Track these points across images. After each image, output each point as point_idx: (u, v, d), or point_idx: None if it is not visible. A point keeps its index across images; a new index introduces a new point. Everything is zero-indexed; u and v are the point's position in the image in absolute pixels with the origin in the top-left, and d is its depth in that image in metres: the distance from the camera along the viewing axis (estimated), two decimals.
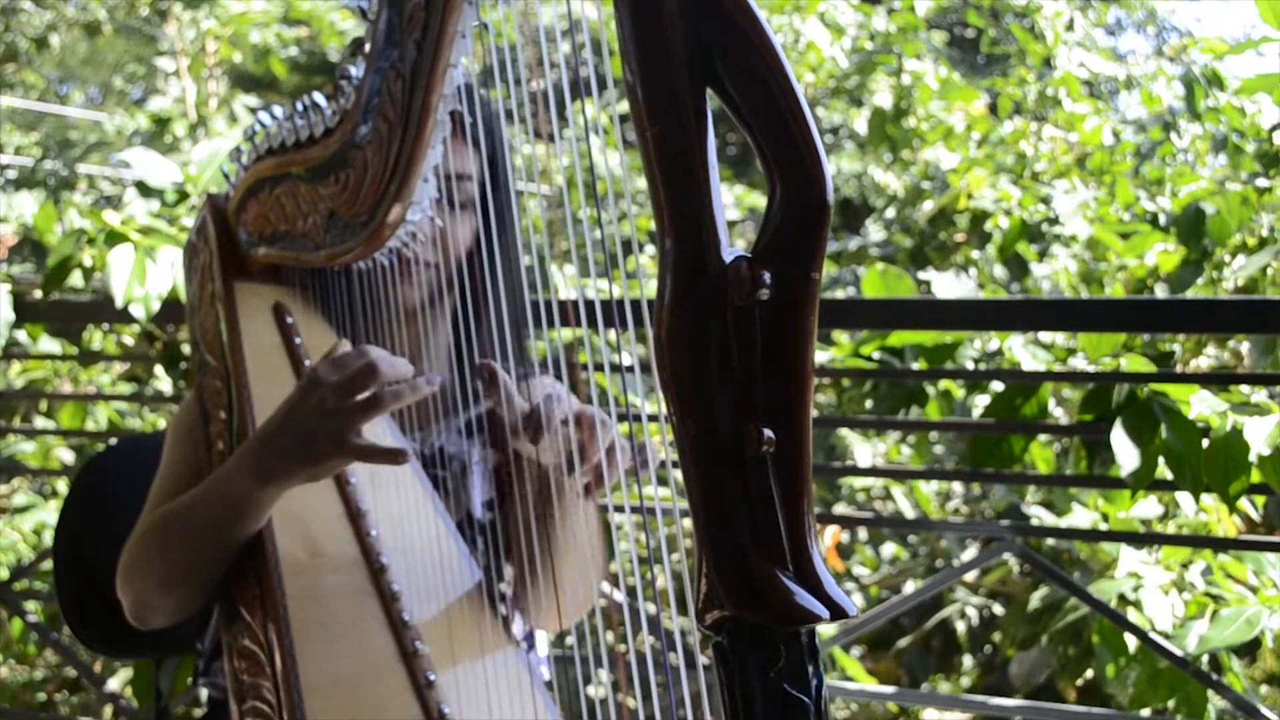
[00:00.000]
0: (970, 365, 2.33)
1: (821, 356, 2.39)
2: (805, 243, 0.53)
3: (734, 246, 0.54)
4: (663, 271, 0.54)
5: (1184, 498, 2.32)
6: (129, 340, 3.00)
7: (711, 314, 0.53)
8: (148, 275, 2.34)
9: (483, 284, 1.24)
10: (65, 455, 3.19)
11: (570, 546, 1.13)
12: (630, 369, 1.54)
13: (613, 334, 1.05)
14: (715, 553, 0.54)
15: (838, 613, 0.53)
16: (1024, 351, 2.40)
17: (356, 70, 1.08)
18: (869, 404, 2.33)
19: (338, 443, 1.05)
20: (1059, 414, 2.75)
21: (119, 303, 2.31)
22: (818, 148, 0.53)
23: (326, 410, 1.05)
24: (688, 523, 0.74)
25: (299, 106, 1.19)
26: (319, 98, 1.16)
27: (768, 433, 0.53)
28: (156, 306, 2.33)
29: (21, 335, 2.87)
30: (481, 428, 1.31)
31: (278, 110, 1.25)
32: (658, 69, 0.53)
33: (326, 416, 1.05)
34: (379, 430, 1.22)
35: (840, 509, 3.64)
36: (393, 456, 1.07)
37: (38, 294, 2.70)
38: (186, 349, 2.66)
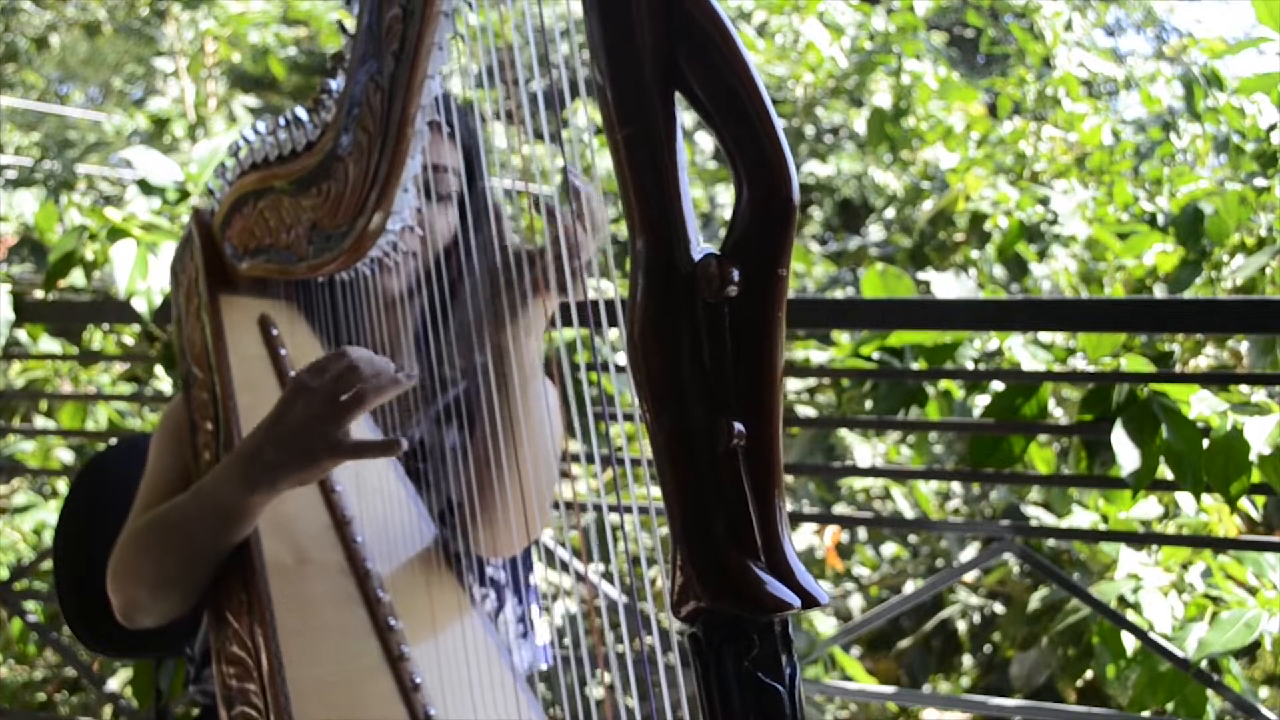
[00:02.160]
0: (970, 365, 2.33)
1: (821, 356, 2.39)
2: (772, 241, 0.54)
3: (706, 245, 0.55)
4: (634, 271, 0.55)
5: (1184, 498, 2.32)
6: (129, 340, 3.01)
7: (682, 312, 0.54)
8: (150, 269, 2.35)
9: (459, 274, 1.26)
10: (65, 455, 3.20)
11: (530, 430, 1.14)
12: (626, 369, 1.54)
13: (613, 333, 1.05)
14: (689, 545, 0.55)
15: (809, 601, 0.54)
16: (1024, 351, 2.40)
17: (337, 83, 1.10)
18: (869, 404, 2.33)
19: (327, 444, 1.07)
20: (1059, 414, 2.75)
21: (122, 294, 2.31)
22: (784, 149, 0.53)
23: (313, 414, 1.06)
24: None
25: (281, 121, 1.21)
26: (300, 112, 1.18)
27: (739, 426, 0.54)
28: (159, 301, 2.34)
29: (21, 335, 2.87)
30: (457, 413, 1.33)
31: (261, 126, 1.27)
32: (627, 72, 0.54)
33: (313, 420, 1.06)
34: (361, 430, 1.23)
35: (840, 509, 3.64)
36: (386, 448, 1.08)
37: (38, 294, 2.70)
38: None
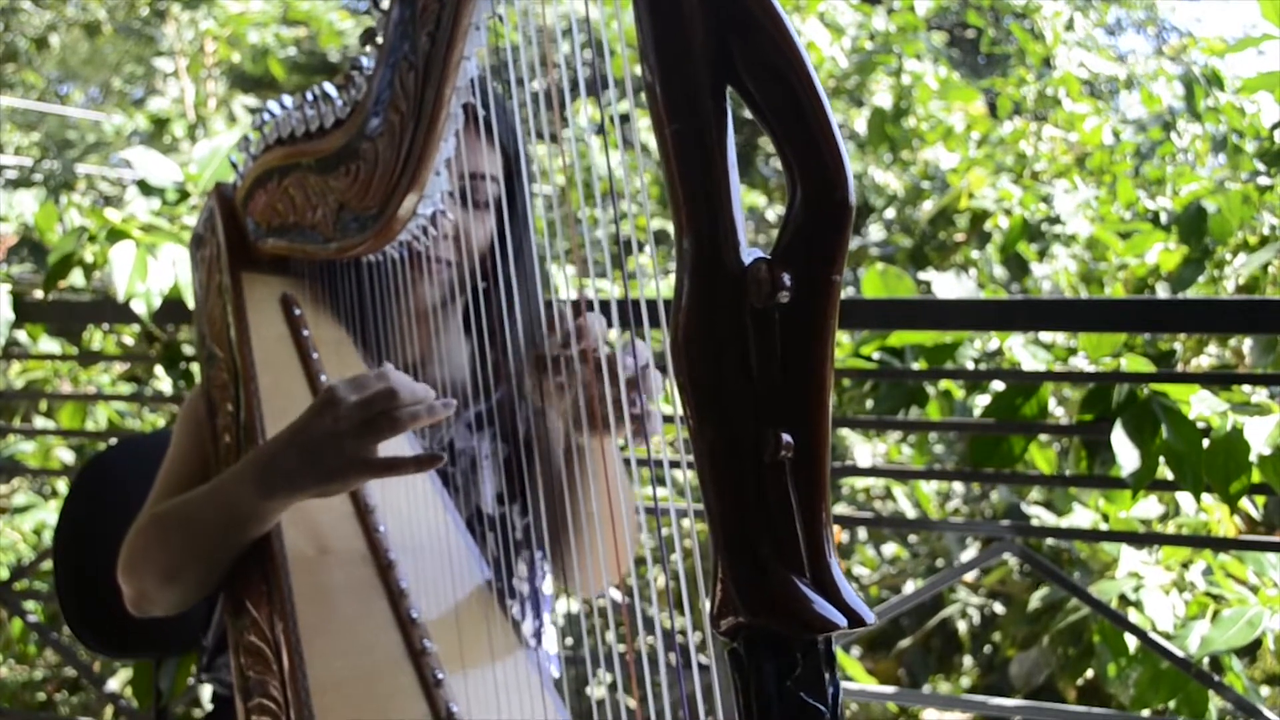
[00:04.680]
0: (970, 365, 2.32)
1: None
2: (826, 244, 0.52)
3: (754, 247, 0.53)
4: (680, 273, 0.53)
5: (1184, 498, 2.32)
6: (129, 340, 3.00)
7: (730, 316, 0.52)
8: (149, 271, 2.34)
9: (502, 282, 1.23)
10: (65, 455, 3.19)
11: (603, 492, 1.12)
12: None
13: (612, 334, 1.05)
14: (732, 559, 0.53)
15: (856, 621, 0.52)
16: (1024, 351, 2.40)
17: (368, 61, 1.07)
18: (869, 404, 2.33)
19: (355, 462, 1.04)
20: (1059, 414, 2.75)
21: (121, 297, 2.31)
22: (840, 148, 0.51)
23: (340, 430, 1.04)
24: (686, 523, 0.74)
25: (309, 96, 1.17)
26: (330, 88, 1.14)
27: (786, 437, 0.52)
28: (158, 303, 2.33)
29: (21, 335, 2.87)
30: (491, 420, 1.30)
31: (287, 100, 1.22)
32: (677, 66, 0.52)
33: (339, 436, 1.04)
34: (399, 444, 1.21)
35: (840, 509, 3.64)
36: (422, 464, 1.06)
37: (38, 294, 2.70)
38: (186, 349, 2.66)
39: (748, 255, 0.52)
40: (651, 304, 0.69)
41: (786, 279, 0.51)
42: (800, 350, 0.52)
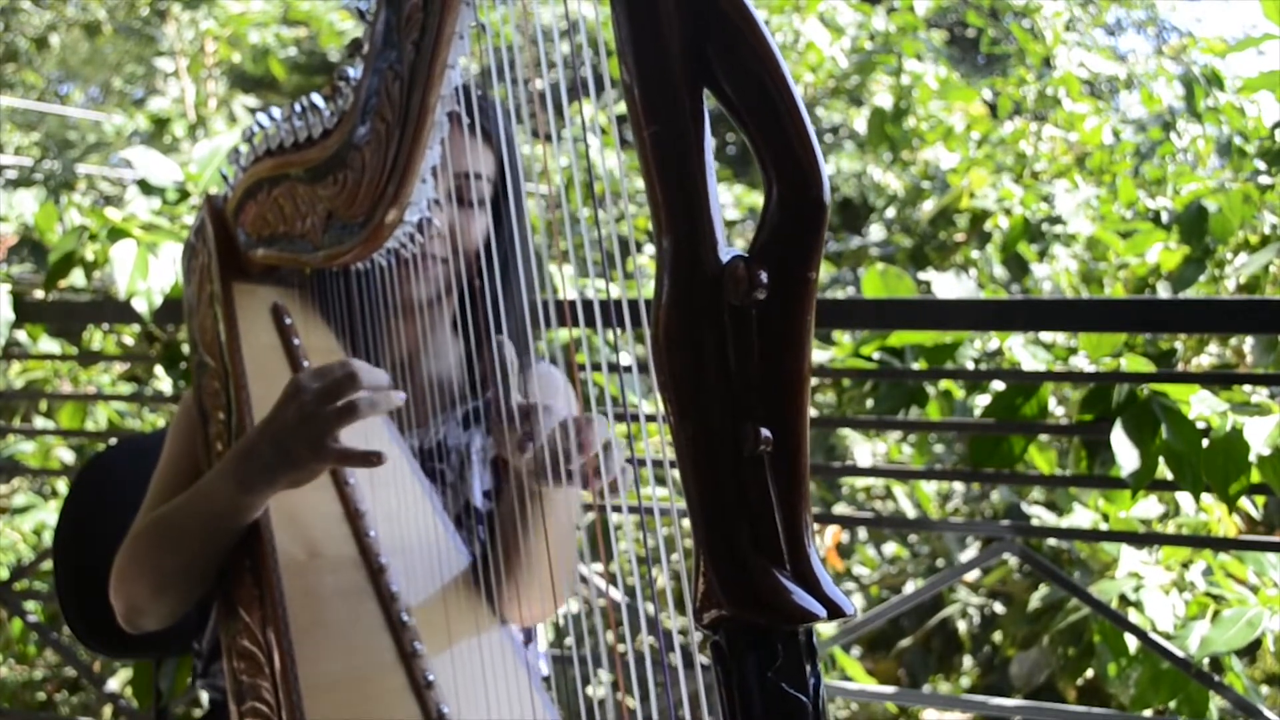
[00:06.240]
0: (970, 365, 2.32)
1: (821, 356, 2.39)
2: (802, 243, 0.53)
3: (732, 246, 0.54)
4: (660, 271, 0.54)
5: (1184, 498, 2.32)
6: (129, 340, 3.01)
7: (708, 314, 0.53)
8: (150, 270, 2.35)
9: (492, 281, 1.24)
10: (65, 455, 3.19)
11: (541, 543, 1.14)
12: (628, 369, 1.54)
13: (611, 334, 1.05)
14: (713, 552, 0.54)
15: (835, 612, 0.54)
16: (1024, 351, 2.40)
17: (355, 71, 1.08)
18: (869, 404, 2.33)
19: (314, 448, 1.07)
20: (1059, 414, 2.75)
21: (122, 295, 2.31)
22: (814, 148, 0.52)
23: (304, 416, 1.06)
24: (687, 522, 0.74)
25: (297, 108, 1.19)
26: (317, 99, 1.16)
27: (765, 432, 0.53)
28: (159, 301, 2.33)
29: (21, 335, 2.87)
30: (481, 418, 1.32)
31: (276, 112, 1.25)
32: (654, 68, 0.53)
33: (304, 423, 1.06)
34: (375, 426, 1.23)
35: (840, 509, 3.64)
36: (367, 459, 1.08)
37: (38, 294, 2.70)
38: (186, 349, 2.66)
39: (725, 254, 0.53)
40: (634, 304, 0.69)
41: (764, 276, 0.53)
42: (777, 346, 0.53)
